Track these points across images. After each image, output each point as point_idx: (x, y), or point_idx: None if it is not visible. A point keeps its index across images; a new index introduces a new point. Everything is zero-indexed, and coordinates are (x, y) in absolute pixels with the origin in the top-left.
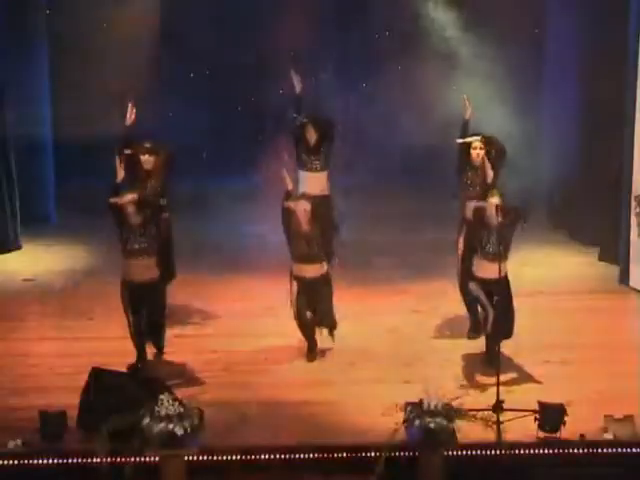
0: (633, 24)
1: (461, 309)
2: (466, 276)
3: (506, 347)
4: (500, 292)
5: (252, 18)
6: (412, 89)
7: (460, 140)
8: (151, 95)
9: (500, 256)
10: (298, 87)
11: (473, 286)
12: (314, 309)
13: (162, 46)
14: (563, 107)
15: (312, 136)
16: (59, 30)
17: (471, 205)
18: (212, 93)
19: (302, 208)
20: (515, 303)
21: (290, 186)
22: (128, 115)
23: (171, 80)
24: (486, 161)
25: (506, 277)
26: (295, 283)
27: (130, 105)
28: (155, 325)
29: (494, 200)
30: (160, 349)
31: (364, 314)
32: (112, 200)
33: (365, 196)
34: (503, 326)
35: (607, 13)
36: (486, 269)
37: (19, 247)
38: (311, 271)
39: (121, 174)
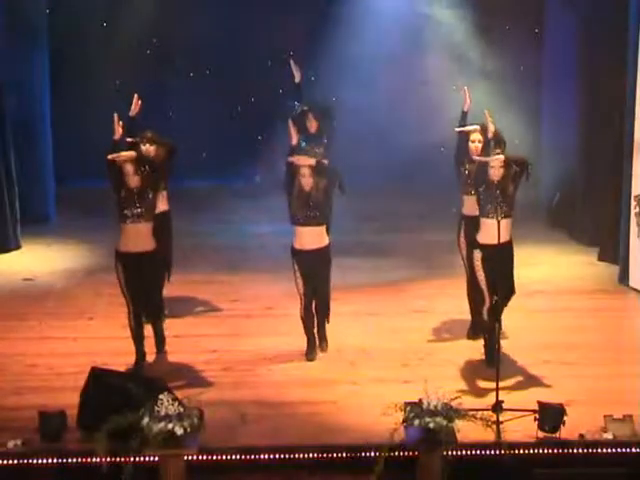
0: (633, 17)
1: (461, 309)
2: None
3: (506, 347)
4: (504, 258)
5: (252, 16)
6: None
7: (458, 129)
8: (151, 94)
9: (504, 215)
10: (297, 76)
11: (477, 260)
12: (314, 291)
13: (161, 45)
14: (563, 106)
15: (312, 125)
16: (59, 29)
17: (469, 200)
18: (212, 92)
19: (306, 163)
20: (514, 303)
21: (295, 140)
22: (133, 106)
23: (171, 79)
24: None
25: (510, 242)
26: (297, 267)
27: (136, 96)
28: (154, 308)
29: (497, 153)
30: (161, 342)
31: (364, 314)
32: (111, 156)
33: (364, 195)
34: (503, 293)
35: (607, 9)
36: (488, 233)
37: (19, 247)
38: (311, 239)
39: (119, 132)
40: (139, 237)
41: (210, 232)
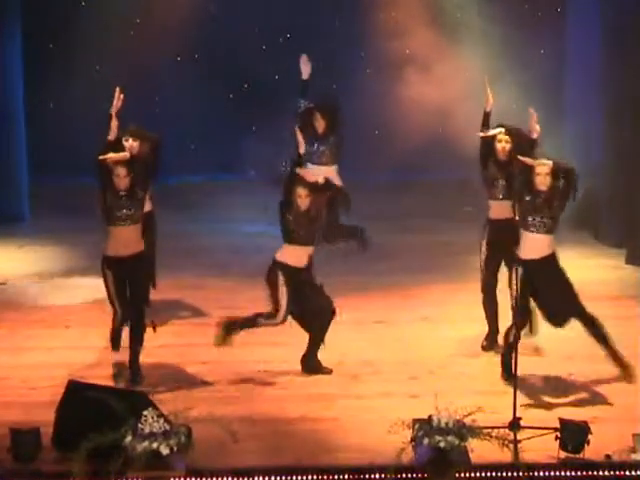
0: None
1: (475, 316)
2: (488, 283)
3: (523, 359)
4: (550, 272)
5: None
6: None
7: (482, 134)
8: (134, 81)
9: (547, 230)
10: (305, 72)
11: (514, 277)
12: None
13: (145, 25)
14: (587, 101)
15: (320, 124)
16: (34, 21)
17: (495, 204)
18: (201, 77)
19: (312, 178)
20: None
21: (302, 149)
22: (115, 101)
23: (156, 63)
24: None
25: (553, 257)
26: (282, 278)
27: (117, 90)
28: (138, 313)
29: (544, 160)
30: (138, 343)
31: (368, 322)
32: (102, 157)
33: (370, 192)
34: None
35: None
36: (526, 247)
37: None
38: (301, 257)
39: (114, 131)
40: (130, 240)
41: (200, 232)
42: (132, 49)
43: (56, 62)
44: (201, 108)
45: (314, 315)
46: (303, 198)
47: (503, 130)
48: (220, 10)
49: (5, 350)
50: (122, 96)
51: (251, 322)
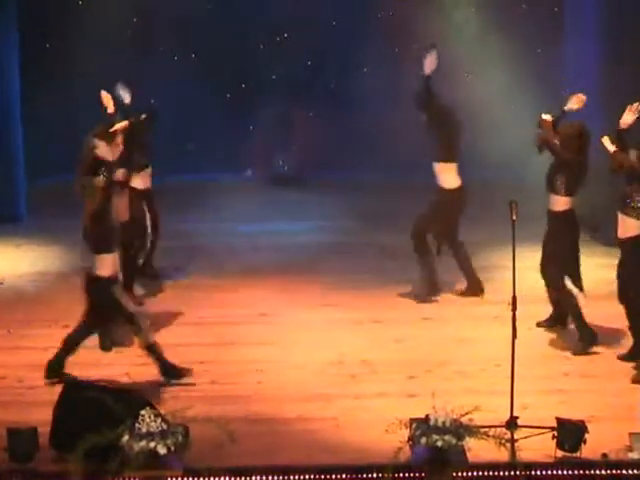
0: None
1: (473, 315)
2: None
3: (521, 358)
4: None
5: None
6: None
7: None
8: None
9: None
10: (428, 67)
11: None
12: None
13: (143, 25)
14: (586, 92)
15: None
16: (31, 21)
17: None
18: (198, 76)
19: None
20: (532, 309)
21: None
22: (105, 104)
23: (153, 62)
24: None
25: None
26: None
27: (103, 94)
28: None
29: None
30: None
31: (366, 321)
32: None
33: (369, 192)
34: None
35: None
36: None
37: None
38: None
39: (111, 106)
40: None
41: (196, 232)
42: (129, 48)
43: (54, 62)
44: (198, 108)
45: None
46: None
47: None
48: (218, 9)
49: (2, 349)
50: (108, 96)
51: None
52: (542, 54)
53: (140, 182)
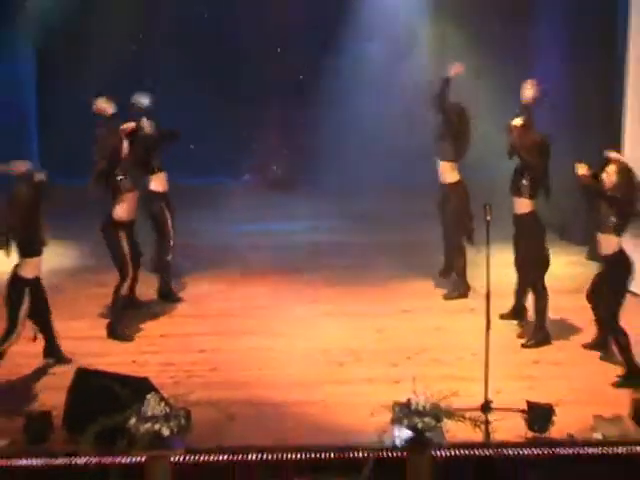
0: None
1: (451, 308)
2: None
3: (495, 346)
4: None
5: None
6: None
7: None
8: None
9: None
10: (453, 71)
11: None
12: None
13: (147, 39)
14: (552, 106)
15: None
16: (44, 32)
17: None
18: (201, 85)
19: None
20: (505, 302)
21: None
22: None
23: (157, 74)
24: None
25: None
26: None
27: (103, 99)
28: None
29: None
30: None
31: (352, 314)
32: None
33: (355, 195)
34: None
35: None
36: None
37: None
38: None
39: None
40: (134, 205)
41: (196, 231)
42: (135, 59)
43: (65, 74)
44: (200, 120)
45: None
46: None
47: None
48: (219, 15)
49: (21, 340)
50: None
51: None
52: (513, 66)
53: (158, 185)
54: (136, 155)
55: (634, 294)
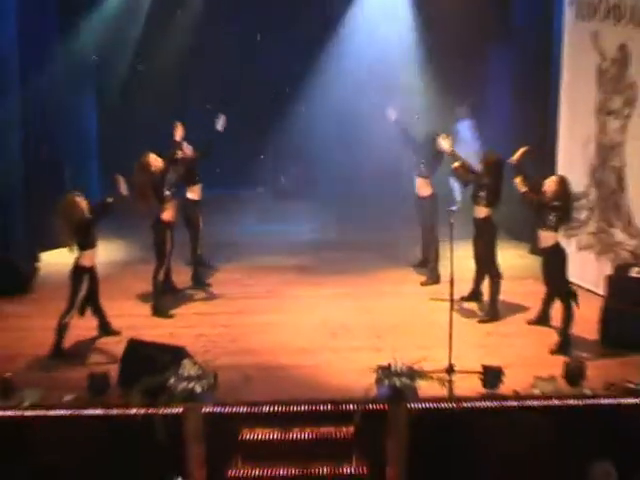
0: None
1: (423, 291)
2: None
3: (457, 321)
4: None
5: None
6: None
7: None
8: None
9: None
10: (392, 116)
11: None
12: None
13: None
14: (500, 128)
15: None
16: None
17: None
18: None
19: None
20: (463, 288)
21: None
22: (176, 133)
23: (189, 107)
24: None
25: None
26: None
27: (178, 125)
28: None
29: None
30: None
31: (344, 295)
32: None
33: (345, 204)
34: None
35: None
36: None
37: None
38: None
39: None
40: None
41: (222, 231)
42: (161, 90)
43: (122, 107)
44: (222, 140)
45: None
46: None
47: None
48: (232, 38)
49: (84, 317)
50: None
51: None
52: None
53: (195, 194)
54: (179, 173)
55: (572, 283)
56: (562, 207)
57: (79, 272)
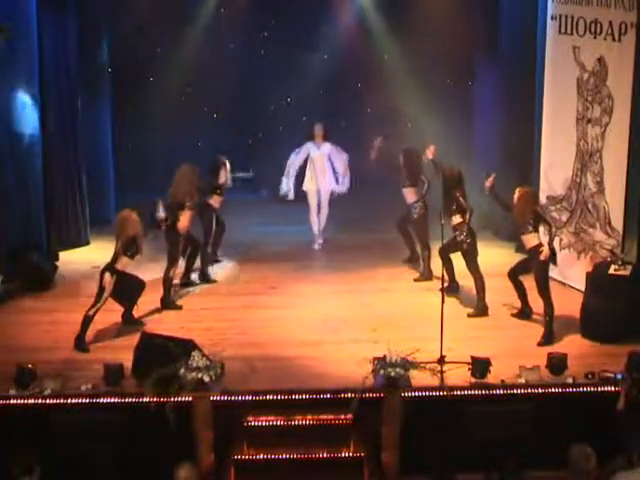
0: (539, 76)
1: (416, 288)
2: None
3: (447, 316)
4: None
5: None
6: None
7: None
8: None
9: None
10: (374, 155)
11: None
12: None
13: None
14: (489, 133)
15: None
16: (119, 75)
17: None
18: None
19: None
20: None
21: None
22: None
23: (199, 119)
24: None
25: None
26: None
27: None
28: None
29: None
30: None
31: (344, 292)
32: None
33: (343, 206)
34: None
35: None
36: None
37: (88, 242)
38: None
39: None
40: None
41: (229, 231)
42: (180, 107)
43: (136, 117)
44: (230, 151)
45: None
46: None
47: None
48: (239, 48)
49: (101, 312)
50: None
51: None
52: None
53: (215, 202)
54: (202, 189)
55: (554, 279)
56: (530, 216)
57: (111, 273)
